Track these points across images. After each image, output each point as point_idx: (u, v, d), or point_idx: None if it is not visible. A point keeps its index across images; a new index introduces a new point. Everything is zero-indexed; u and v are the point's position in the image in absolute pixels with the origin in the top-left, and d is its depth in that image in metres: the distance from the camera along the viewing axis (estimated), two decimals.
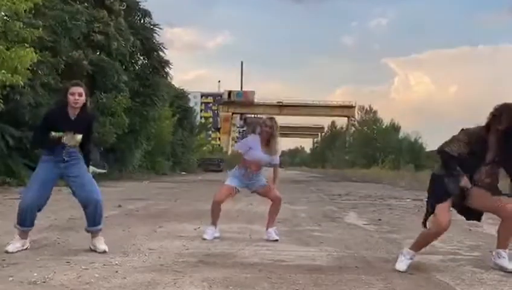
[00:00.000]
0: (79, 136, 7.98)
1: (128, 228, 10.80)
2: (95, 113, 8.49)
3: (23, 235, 8.11)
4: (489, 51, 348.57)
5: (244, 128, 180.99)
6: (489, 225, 12.52)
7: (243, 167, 9.85)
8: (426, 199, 7.67)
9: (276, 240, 9.65)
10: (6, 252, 7.72)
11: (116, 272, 6.67)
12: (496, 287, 6.45)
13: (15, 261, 7.15)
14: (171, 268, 6.99)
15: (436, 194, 7.44)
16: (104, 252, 7.93)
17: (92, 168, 8.34)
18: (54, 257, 7.49)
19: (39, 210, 8.11)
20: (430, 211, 7.45)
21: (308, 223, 12.76)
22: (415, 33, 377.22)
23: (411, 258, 7.43)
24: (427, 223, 7.55)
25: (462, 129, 7.48)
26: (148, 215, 13.75)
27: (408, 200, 22.52)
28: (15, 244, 7.97)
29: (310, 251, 8.78)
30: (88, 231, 8.25)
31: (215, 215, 9.93)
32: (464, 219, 7.96)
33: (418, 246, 7.56)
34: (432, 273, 7.13)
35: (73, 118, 7.96)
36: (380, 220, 14.04)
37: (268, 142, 9.69)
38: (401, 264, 7.32)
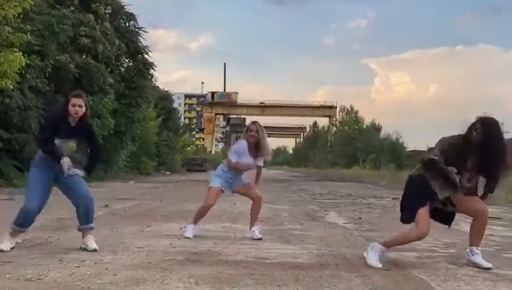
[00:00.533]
0: (74, 146, 8.23)
1: (116, 228, 10.96)
2: (94, 131, 8.81)
3: (15, 235, 8.29)
4: (467, 52, 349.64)
5: (227, 129, 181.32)
6: (466, 224, 12.68)
7: (229, 168, 10.05)
8: (401, 200, 7.89)
9: (260, 239, 9.82)
10: (1, 251, 7.90)
11: (107, 269, 6.84)
12: (469, 283, 6.64)
13: (10, 259, 7.31)
14: (158, 266, 7.16)
15: (416, 194, 7.65)
16: (95, 250, 8.08)
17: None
18: (46, 256, 7.65)
19: (38, 212, 8.31)
20: (410, 211, 7.61)
21: (290, 222, 12.93)
22: (395, 34, 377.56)
23: (381, 254, 7.64)
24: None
25: (440, 139, 7.78)
26: (135, 215, 13.91)
27: (388, 199, 22.65)
28: (7, 243, 8.14)
29: (292, 248, 8.96)
30: (80, 230, 8.43)
31: (200, 216, 10.15)
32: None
33: (392, 245, 7.80)
34: (408, 270, 7.31)
35: (73, 125, 8.19)
36: (360, 218, 14.22)
37: (256, 146, 9.88)
38: (374, 260, 7.51)
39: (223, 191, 10.10)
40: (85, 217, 8.35)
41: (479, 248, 7.76)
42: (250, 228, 10.13)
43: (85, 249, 8.16)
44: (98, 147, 8.84)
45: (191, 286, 6.07)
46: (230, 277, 6.60)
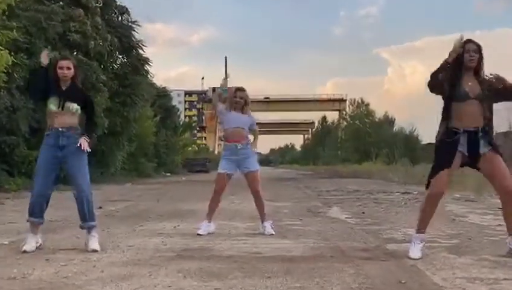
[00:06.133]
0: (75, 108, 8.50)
1: (107, 228, 11.10)
2: (89, 95, 9.05)
3: (34, 229, 8.47)
4: (485, 36, 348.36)
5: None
6: (476, 215, 12.98)
7: (226, 143, 10.48)
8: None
9: (272, 234, 10.10)
10: (25, 251, 8.11)
11: (94, 267, 7.06)
12: (465, 270, 6.84)
13: None
14: (148, 262, 7.38)
15: (437, 160, 7.75)
16: (94, 251, 8.16)
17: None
18: (33, 256, 7.86)
19: (47, 203, 8.50)
20: (431, 174, 7.71)
21: (289, 218, 13.16)
22: (407, 21, 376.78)
23: (422, 242, 7.77)
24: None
25: None
26: (128, 215, 14.10)
27: (397, 193, 22.80)
28: (31, 244, 8.31)
29: (287, 243, 9.18)
30: (81, 227, 8.59)
31: (212, 208, 10.41)
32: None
33: (420, 224, 7.85)
34: (405, 260, 7.51)
35: (64, 89, 8.47)
36: (363, 213, 14.42)
37: (242, 110, 10.46)
38: (414, 251, 7.65)
39: (230, 177, 10.44)
40: (81, 213, 8.47)
41: None
42: (262, 223, 10.50)
43: (74, 249, 8.38)
44: (94, 111, 9.05)
45: (178, 280, 6.28)
46: (220, 270, 6.82)
